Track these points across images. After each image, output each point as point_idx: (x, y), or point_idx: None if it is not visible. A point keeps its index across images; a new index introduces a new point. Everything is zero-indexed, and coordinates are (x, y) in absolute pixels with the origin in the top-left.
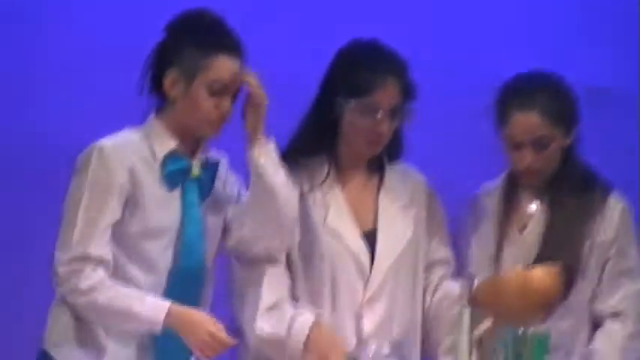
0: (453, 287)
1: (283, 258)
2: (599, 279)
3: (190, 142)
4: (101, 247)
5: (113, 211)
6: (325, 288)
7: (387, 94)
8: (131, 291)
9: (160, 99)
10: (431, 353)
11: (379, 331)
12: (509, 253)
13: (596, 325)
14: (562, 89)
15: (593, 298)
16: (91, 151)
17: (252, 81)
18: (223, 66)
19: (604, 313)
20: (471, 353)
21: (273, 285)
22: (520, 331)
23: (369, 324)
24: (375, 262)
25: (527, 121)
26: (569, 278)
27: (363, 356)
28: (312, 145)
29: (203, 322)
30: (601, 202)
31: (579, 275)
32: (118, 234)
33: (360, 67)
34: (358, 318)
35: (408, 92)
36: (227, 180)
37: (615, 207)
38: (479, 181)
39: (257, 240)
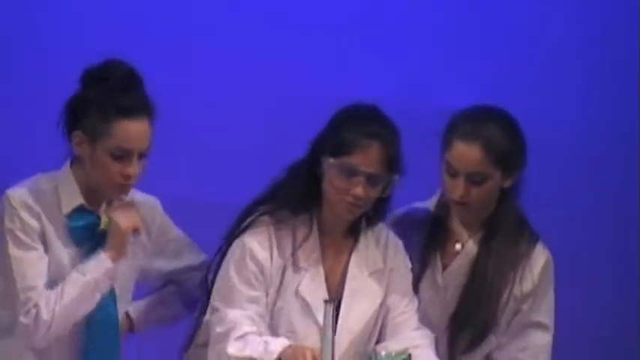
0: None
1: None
2: (506, 328)
3: (100, 196)
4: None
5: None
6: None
7: (367, 158)
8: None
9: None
10: None
11: None
12: (428, 287)
13: None
14: (512, 130)
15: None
16: (1, 202)
17: None
18: (124, 132)
19: None
20: None
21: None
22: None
23: None
24: (337, 337)
25: (468, 152)
26: (482, 333)
27: None
28: (298, 203)
29: None
30: (527, 252)
31: (491, 330)
32: None
33: (345, 127)
34: None
35: (391, 164)
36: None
37: (539, 258)
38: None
39: None
